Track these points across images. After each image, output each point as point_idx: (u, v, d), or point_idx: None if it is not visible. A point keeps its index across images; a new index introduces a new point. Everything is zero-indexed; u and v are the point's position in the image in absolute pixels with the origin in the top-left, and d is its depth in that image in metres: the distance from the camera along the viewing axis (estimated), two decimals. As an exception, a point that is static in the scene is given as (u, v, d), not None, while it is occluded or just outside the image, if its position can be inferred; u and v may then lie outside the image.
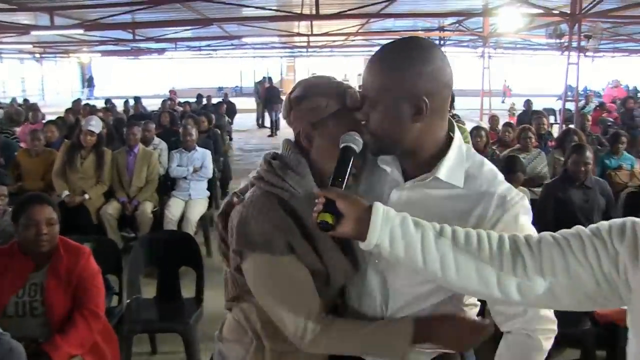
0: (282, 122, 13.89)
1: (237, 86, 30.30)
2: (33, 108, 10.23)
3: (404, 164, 1.29)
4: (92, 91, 28.30)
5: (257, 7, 10.54)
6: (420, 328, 1.22)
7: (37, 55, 24.56)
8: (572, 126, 8.26)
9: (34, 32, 12.62)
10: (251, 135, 14.75)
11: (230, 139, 11.93)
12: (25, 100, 15.61)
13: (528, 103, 11.61)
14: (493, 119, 8.67)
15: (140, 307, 3.18)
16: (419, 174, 1.25)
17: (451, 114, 3.66)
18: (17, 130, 7.90)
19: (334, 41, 19.09)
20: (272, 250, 1.24)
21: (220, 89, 24.91)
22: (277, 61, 30.26)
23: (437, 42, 14.13)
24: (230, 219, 1.33)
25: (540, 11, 10.00)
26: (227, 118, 12.31)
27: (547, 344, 1.26)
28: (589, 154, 3.87)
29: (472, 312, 1.36)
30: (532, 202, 1.70)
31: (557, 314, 1.26)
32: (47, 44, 18.28)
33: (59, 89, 28.96)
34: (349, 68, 26.29)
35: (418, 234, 1.06)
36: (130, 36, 14.25)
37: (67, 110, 10.11)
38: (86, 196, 4.85)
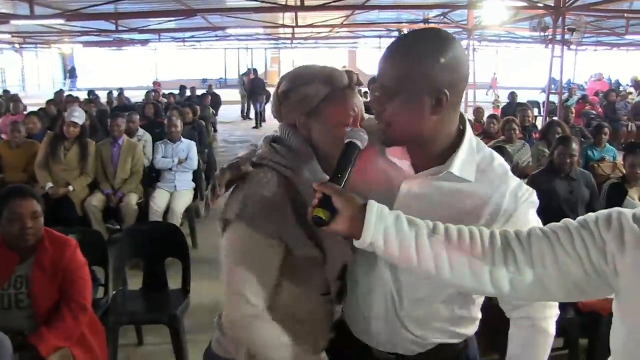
0: (267, 114, 13.81)
1: (221, 78, 30.08)
2: (14, 99, 10.04)
3: (413, 156, 1.26)
4: (75, 82, 27.87)
5: (241, -2, 10.49)
6: None
7: (17, 46, 24.09)
8: (555, 118, 8.34)
9: (13, 22, 12.35)
10: (235, 127, 14.69)
11: (215, 131, 11.88)
12: (6, 91, 15.31)
13: (512, 95, 11.70)
14: (478, 111, 8.72)
15: (126, 298, 3.16)
16: (428, 166, 1.24)
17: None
18: (-3, 122, 7.79)
19: (319, 33, 19.03)
20: (258, 228, 1.24)
21: (204, 80, 24.71)
22: (261, 53, 30.11)
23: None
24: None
25: (525, 4, 10.04)
26: (211, 109, 12.24)
27: (553, 328, 1.32)
28: (574, 145, 3.92)
29: (479, 301, 1.38)
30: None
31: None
32: (27, 34, 17.96)
33: (40, 80, 28.50)
34: (333, 60, 26.27)
35: (412, 233, 1.07)
36: (112, 27, 14.01)
37: (49, 102, 9.98)
38: (70, 188, 4.80)
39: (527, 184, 1.38)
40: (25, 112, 8.15)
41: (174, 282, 3.33)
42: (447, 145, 1.23)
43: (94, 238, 3.28)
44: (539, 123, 9.11)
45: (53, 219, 3.53)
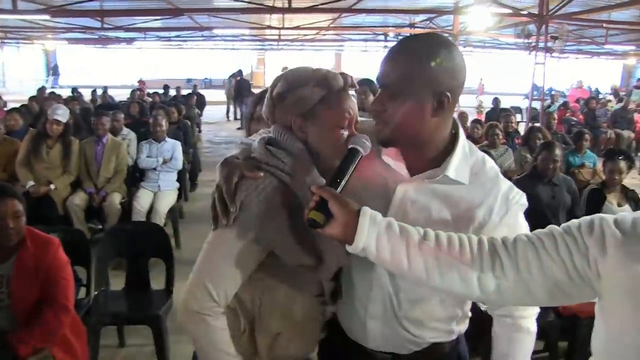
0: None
1: (206, 78, 29.94)
2: (-5, 95, 9.93)
3: (408, 159, 1.28)
4: (57, 80, 27.54)
5: (228, -1, 10.44)
6: None
7: (-1, 41, 23.74)
8: (537, 124, 8.45)
9: (-6, 17, 12.20)
10: (220, 128, 14.62)
11: (200, 131, 11.82)
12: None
13: (496, 101, 11.82)
14: (462, 116, 8.79)
15: (109, 298, 3.14)
16: (423, 169, 1.26)
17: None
18: (-23, 118, 7.65)
19: (305, 35, 19.03)
20: (248, 235, 1.23)
21: (189, 80, 24.57)
22: (247, 54, 30.02)
23: (408, 38, 14.18)
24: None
25: (510, 11, 10.18)
26: (196, 110, 12.18)
27: (534, 326, 1.37)
28: (558, 151, 3.98)
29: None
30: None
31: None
32: (9, 29, 17.67)
33: (22, 77, 28.08)
34: (320, 63, 26.28)
35: (403, 239, 1.09)
36: (98, 24, 13.89)
37: (31, 99, 9.87)
38: (52, 186, 4.75)
39: (513, 188, 1.41)
40: (5, 109, 8.04)
41: (156, 283, 3.31)
42: (441, 149, 1.26)
43: (76, 237, 3.24)
44: (522, 129, 9.22)
45: (34, 218, 3.47)
